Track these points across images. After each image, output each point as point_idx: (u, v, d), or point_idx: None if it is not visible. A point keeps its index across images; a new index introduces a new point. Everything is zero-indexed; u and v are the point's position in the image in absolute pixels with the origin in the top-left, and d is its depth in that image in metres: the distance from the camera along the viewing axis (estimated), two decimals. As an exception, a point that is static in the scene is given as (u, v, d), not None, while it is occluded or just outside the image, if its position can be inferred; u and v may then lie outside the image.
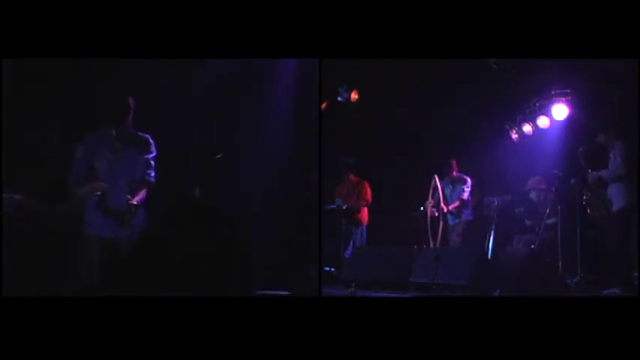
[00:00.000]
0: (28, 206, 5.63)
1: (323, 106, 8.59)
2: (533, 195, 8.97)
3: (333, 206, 9.48)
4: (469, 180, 9.66)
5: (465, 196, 9.58)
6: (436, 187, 9.44)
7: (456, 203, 9.56)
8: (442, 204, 9.46)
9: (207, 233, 4.61)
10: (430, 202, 9.52)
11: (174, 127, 6.63)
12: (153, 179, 5.34)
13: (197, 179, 6.78)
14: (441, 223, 9.44)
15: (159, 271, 4.56)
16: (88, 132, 5.30)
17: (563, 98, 8.92)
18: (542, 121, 9.42)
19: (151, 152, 5.36)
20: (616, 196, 6.92)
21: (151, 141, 5.41)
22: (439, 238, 9.36)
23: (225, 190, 7.13)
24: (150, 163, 5.34)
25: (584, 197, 7.60)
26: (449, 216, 9.59)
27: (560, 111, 8.98)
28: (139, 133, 5.34)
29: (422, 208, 9.55)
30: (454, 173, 9.70)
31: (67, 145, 5.70)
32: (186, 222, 4.51)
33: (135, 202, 5.09)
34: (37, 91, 6.52)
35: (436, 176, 9.48)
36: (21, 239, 5.44)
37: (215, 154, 7.19)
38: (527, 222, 9.01)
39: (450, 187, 9.72)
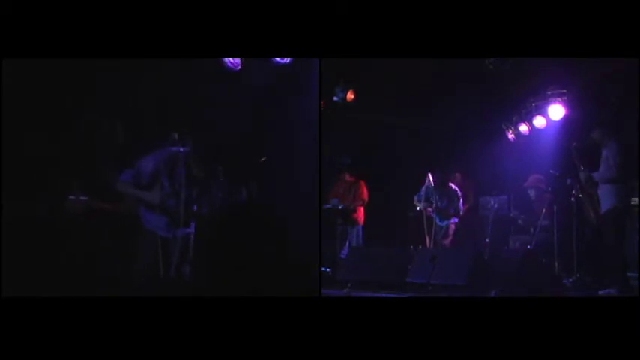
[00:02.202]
0: (92, 206, 6.04)
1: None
2: (531, 193, 8.98)
3: (329, 206, 9.48)
4: (459, 193, 9.65)
5: (460, 213, 9.58)
6: (429, 186, 9.40)
7: (449, 238, 9.55)
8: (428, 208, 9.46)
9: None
10: (416, 202, 9.54)
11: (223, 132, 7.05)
12: (205, 209, 5.82)
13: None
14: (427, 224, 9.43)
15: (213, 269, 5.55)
16: (154, 143, 5.67)
17: (560, 98, 8.95)
18: (539, 121, 9.44)
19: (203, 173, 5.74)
20: (604, 197, 6.93)
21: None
22: (432, 239, 9.35)
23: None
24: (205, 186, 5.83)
25: (574, 194, 7.64)
26: (436, 218, 9.55)
27: (557, 111, 9.00)
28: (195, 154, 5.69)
29: (416, 207, 9.55)
30: (450, 185, 9.67)
31: (129, 148, 6.29)
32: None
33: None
34: (106, 94, 6.81)
35: (429, 175, 9.46)
36: (86, 236, 5.85)
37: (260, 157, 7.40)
38: (521, 222, 9.02)
39: (438, 197, 9.57)
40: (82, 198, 6.05)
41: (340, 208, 9.53)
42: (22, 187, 5.89)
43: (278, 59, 7.35)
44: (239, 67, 7.41)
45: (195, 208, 5.61)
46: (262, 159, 7.30)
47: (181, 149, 5.49)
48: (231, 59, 7.31)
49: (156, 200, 5.44)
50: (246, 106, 7.57)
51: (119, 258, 5.74)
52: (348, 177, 9.81)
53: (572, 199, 7.79)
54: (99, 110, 6.73)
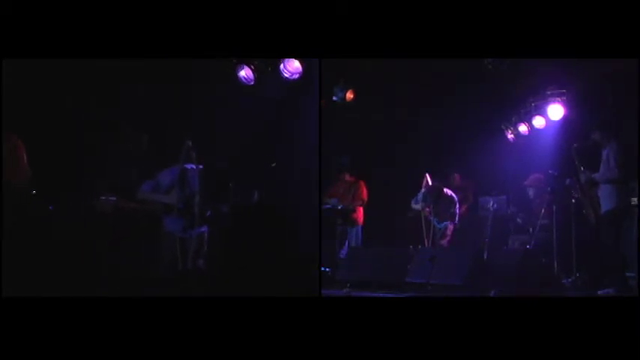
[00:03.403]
0: (120, 205, 6.64)
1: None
2: (531, 192, 8.98)
3: (328, 206, 9.48)
4: (456, 198, 9.65)
5: (456, 219, 9.59)
6: (427, 185, 9.41)
7: (447, 238, 9.57)
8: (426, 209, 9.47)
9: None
10: (413, 205, 9.56)
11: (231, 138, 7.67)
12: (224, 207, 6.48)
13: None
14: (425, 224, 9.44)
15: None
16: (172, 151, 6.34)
17: (559, 98, 8.95)
18: (538, 121, 9.45)
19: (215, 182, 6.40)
20: (604, 198, 6.93)
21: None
22: (430, 240, 9.36)
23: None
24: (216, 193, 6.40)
25: (574, 195, 7.65)
26: (434, 219, 9.55)
27: (556, 111, 9.00)
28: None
29: (412, 207, 9.58)
30: (446, 191, 9.65)
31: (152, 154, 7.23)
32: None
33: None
34: (131, 107, 7.62)
35: (427, 175, 9.46)
36: (115, 233, 6.49)
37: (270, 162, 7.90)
38: (520, 220, 9.03)
39: (434, 202, 9.54)
40: (111, 198, 6.65)
41: (340, 208, 9.53)
42: (55, 187, 6.58)
43: (289, 76, 7.81)
44: (252, 83, 7.89)
45: (208, 213, 6.26)
46: (273, 164, 7.73)
47: (194, 167, 6.16)
48: (245, 75, 7.88)
49: (173, 202, 6.13)
50: (258, 114, 8.05)
51: (143, 251, 6.46)
52: (347, 177, 9.81)
53: (573, 200, 7.79)
54: (128, 122, 7.52)
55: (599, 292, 6.74)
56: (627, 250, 6.84)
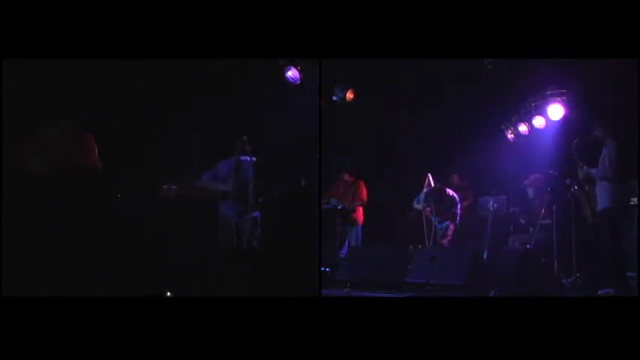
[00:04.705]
0: (181, 194, 7.19)
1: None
2: (530, 192, 8.98)
3: (328, 206, 9.48)
4: (457, 199, 9.64)
5: (457, 219, 9.59)
6: (427, 192, 9.42)
7: (448, 238, 9.57)
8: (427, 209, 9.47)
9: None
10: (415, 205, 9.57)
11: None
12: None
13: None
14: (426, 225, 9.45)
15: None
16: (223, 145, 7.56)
17: (559, 98, 8.95)
18: (538, 121, 9.44)
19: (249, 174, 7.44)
20: (601, 196, 6.92)
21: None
22: (431, 240, 9.37)
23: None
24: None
25: (572, 191, 7.65)
26: (435, 220, 9.56)
27: (556, 111, 9.00)
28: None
29: (414, 207, 9.57)
30: (448, 191, 9.66)
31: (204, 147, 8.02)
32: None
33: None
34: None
35: (429, 175, 9.46)
36: (174, 219, 6.93)
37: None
38: (522, 221, 9.02)
39: (436, 203, 9.58)
40: (172, 187, 7.22)
41: (339, 207, 9.53)
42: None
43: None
44: (299, 82, 8.42)
45: (260, 200, 7.25)
46: (316, 155, 8.13)
47: (248, 158, 7.27)
48: (291, 75, 8.40)
49: (229, 189, 7.22)
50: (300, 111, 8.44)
51: (203, 234, 7.04)
52: (347, 177, 9.81)
53: (570, 195, 7.79)
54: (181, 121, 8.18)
55: (599, 292, 6.75)
56: (627, 249, 6.84)
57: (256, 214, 7.35)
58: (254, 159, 7.26)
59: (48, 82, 6.58)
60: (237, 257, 6.76)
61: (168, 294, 6.21)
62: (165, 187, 7.24)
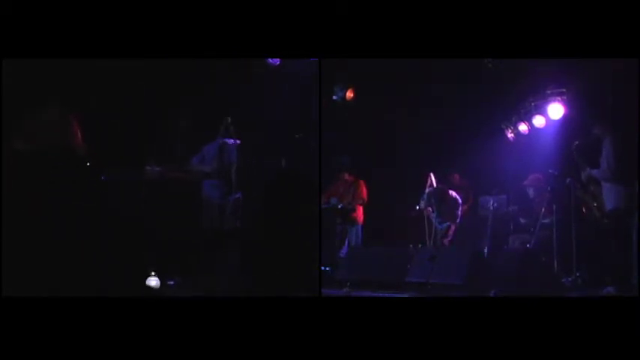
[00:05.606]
0: (166, 175, 7.40)
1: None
2: (530, 191, 8.98)
3: (328, 205, 9.48)
4: (459, 200, 9.65)
5: (458, 220, 9.59)
6: (431, 185, 9.41)
7: (449, 238, 9.57)
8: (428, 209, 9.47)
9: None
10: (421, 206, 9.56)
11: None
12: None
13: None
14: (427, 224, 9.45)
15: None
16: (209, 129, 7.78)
17: (559, 97, 8.94)
18: (538, 121, 9.43)
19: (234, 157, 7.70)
20: (607, 197, 6.91)
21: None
22: (432, 239, 9.37)
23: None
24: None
25: (577, 195, 7.64)
26: (436, 220, 9.56)
27: (556, 110, 9.00)
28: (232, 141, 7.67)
29: (417, 207, 9.56)
30: (451, 193, 9.66)
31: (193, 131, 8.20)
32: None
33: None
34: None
35: (431, 175, 9.46)
36: (160, 200, 7.17)
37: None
38: (522, 221, 9.02)
39: (438, 204, 9.57)
40: (155, 168, 7.42)
41: (339, 207, 9.53)
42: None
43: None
44: (277, 63, 8.33)
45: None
46: (297, 135, 8.37)
47: (231, 141, 7.50)
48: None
49: (214, 170, 7.49)
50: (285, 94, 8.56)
51: (186, 214, 7.34)
52: (347, 176, 9.81)
53: (573, 197, 7.78)
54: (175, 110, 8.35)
55: (600, 292, 6.74)
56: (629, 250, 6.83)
57: (239, 195, 7.62)
58: (238, 142, 7.52)
59: (48, 82, 6.58)
60: (220, 238, 7.10)
61: (153, 274, 6.52)
62: (149, 168, 7.45)
